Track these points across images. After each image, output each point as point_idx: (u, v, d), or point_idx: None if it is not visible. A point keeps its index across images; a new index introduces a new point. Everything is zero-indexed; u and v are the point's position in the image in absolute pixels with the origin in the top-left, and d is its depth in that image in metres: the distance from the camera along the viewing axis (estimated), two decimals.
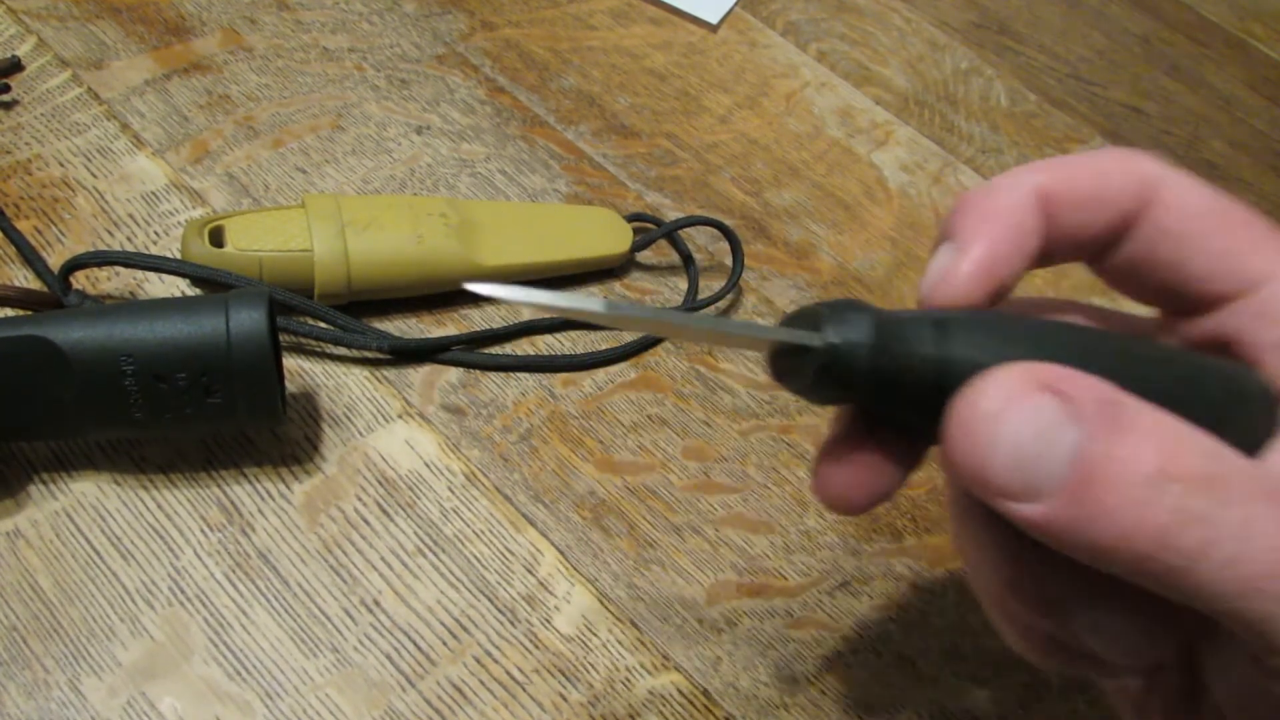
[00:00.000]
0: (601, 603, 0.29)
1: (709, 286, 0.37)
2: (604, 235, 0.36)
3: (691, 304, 0.36)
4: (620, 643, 0.29)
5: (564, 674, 0.28)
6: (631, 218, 0.37)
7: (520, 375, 0.33)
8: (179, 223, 0.34)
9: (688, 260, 0.38)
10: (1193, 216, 0.18)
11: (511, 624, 0.29)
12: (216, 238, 0.32)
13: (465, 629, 0.28)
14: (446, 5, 0.44)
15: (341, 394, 0.32)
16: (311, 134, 0.38)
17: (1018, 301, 0.21)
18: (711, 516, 0.32)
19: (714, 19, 0.47)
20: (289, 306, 0.31)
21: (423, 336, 0.33)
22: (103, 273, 0.32)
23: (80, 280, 0.32)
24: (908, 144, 0.45)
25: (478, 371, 0.33)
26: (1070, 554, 0.15)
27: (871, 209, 0.42)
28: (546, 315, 0.34)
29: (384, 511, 0.30)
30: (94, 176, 0.34)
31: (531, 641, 0.28)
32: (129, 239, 0.33)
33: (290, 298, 0.31)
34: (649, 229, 0.37)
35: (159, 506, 0.28)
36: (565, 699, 0.28)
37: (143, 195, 0.34)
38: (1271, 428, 0.17)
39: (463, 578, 0.29)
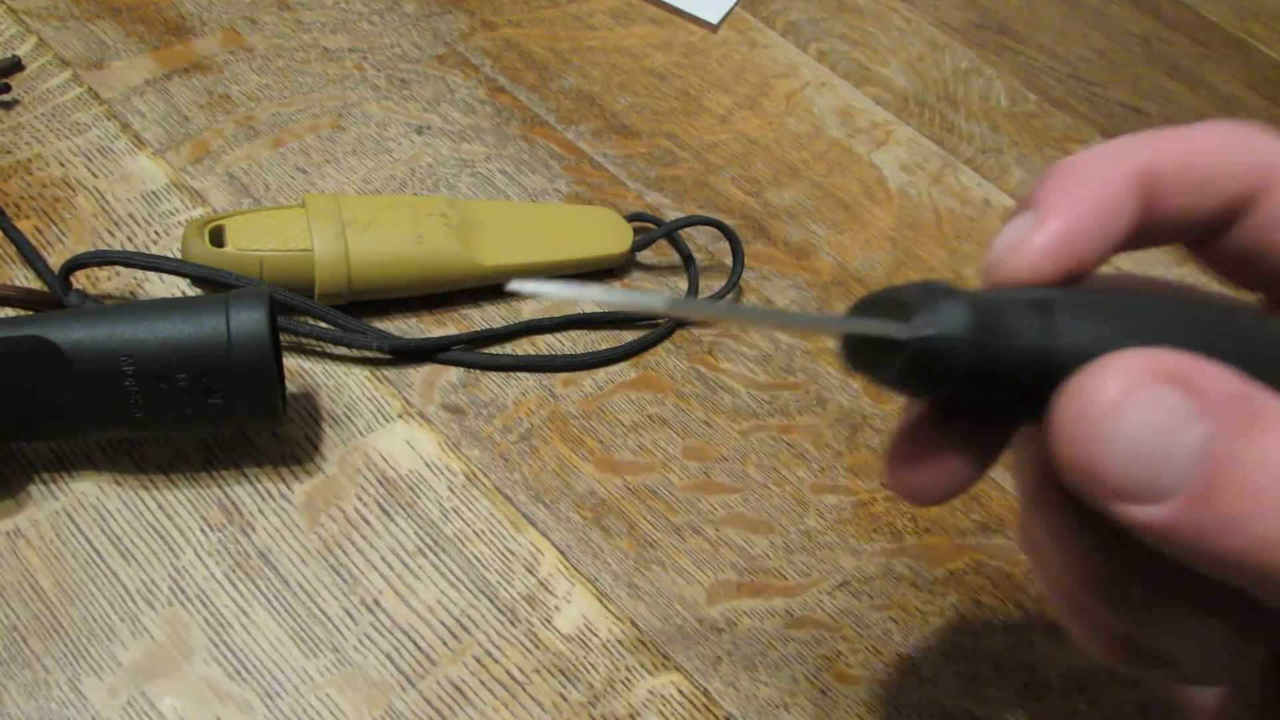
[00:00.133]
0: (601, 603, 0.29)
1: (709, 286, 0.37)
2: (604, 235, 0.36)
3: None
4: (620, 642, 0.29)
5: (564, 674, 0.28)
6: (632, 217, 0.37)
7: (520, 375, 0.33)
8: (179, 222, 0.34)
9: (688, 260, 0.38)
10: None
11: (512, 624, 0.29)
12: (217, 237, 0.32)
13: (465, 629, 0.28)
14: (446, 5, 0.44)
15: (342, 394, 0.32)
16: (312, 134, 0.38)
17: (1101, 279, 0.18)
18: (712, 516, 0.32)
19: (714, 19, 0.47)
20: (289, 306, 0.31)
21: (423, 336, 0.33)
22: (103, 273, 0.32)
23: (80, 280, 0.32)
24: (908, 144, 0.45)
25: (478, 371, 0.33)
26: (1185, 562, 0.14)
27: (871, 209, 0.42)
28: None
29: (384, 511, 0.30)
30: (94, 176, 0.34)
31: (532, 641, 0.28)
32: (129, 239, 0.33)
33: (290, 298, 0.31)
34: (649, 229, 0.37)
35: (159, 506, 0.28)
36: (565, 699, 0.28)
37: (143, 195, 0.34)
38: None
39: (463, 577, 0.29)
